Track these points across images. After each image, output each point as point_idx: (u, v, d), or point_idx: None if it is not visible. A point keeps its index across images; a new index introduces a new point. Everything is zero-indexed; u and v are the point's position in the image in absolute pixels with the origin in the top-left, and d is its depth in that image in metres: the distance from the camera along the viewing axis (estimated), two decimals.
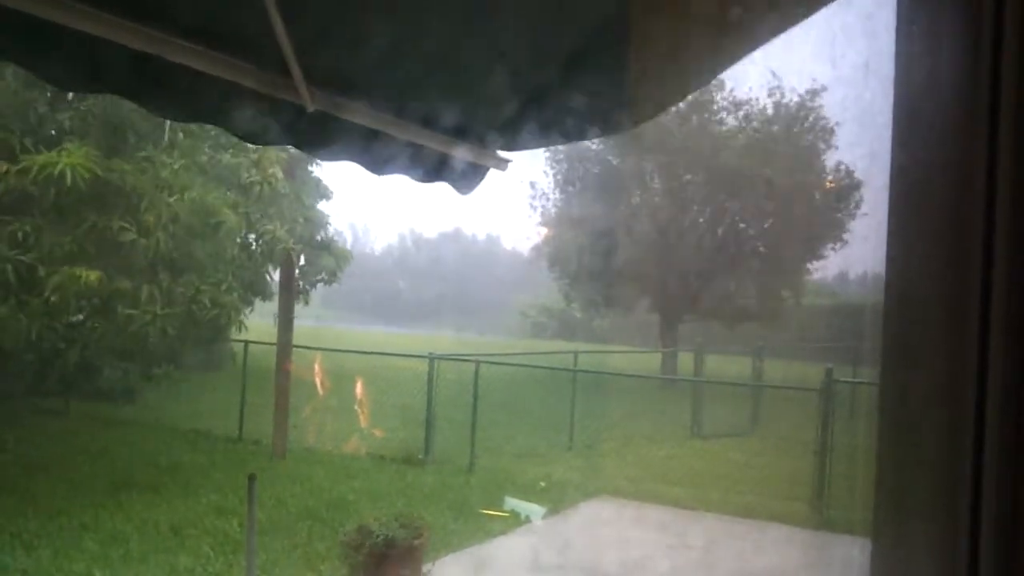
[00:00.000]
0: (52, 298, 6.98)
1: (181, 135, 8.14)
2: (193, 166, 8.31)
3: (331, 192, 11.86)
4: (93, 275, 7.02)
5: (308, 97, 2.30)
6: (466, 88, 2.68)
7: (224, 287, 8.49)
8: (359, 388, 12.60)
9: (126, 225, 7.45)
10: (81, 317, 8.18)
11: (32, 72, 2.17)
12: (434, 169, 2.78)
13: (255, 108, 2.29)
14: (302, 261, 11.07)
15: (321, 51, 2.30)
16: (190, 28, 2.03)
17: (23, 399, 10.89)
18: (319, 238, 11.44)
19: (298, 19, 2.06)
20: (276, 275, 10.93)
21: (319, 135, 2.46)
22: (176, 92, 2.15)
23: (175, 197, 7.74)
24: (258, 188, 9.05)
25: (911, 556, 0.83)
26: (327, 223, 11.57)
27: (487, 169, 2.94)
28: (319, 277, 11.75)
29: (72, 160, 6.89)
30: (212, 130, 8.05)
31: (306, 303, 11.29)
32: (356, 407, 12.09)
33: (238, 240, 9.13)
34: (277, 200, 9.58)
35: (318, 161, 10.69)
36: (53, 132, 7.78)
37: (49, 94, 7.65)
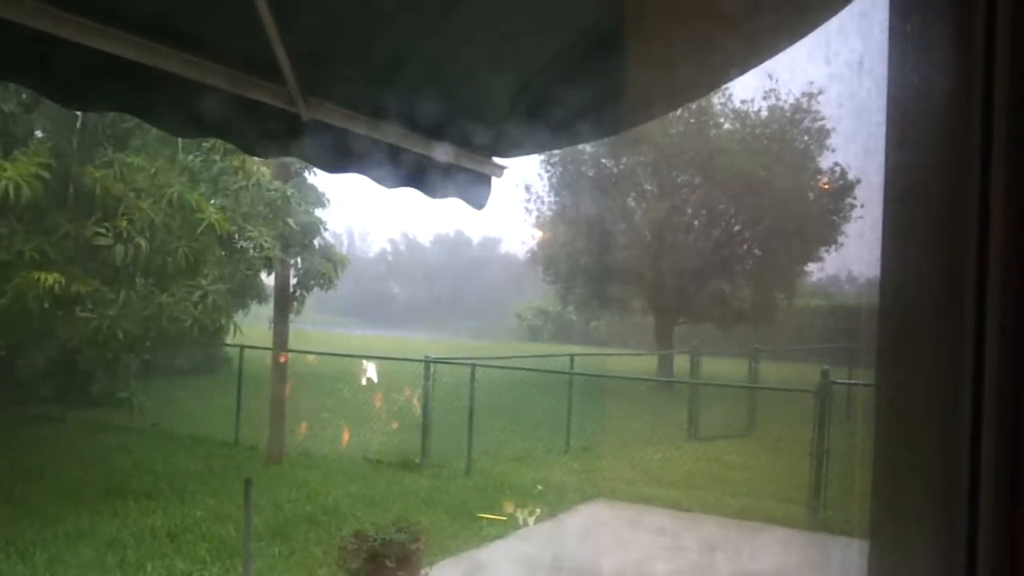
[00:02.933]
0: (10, 302, 6.89)
1: (154, 132, 7.78)
2: (174, 166, 8.18)
3: (327, 200, 11.82)
4: (51, 278, 6.91)
5: (304, 107, 2.30)
6: (462, 96, 2.68)
7: (201, 294, 8.33)
8: (353, 392, 12.59)
9: (101, 231, 7.39)
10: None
11: (32, 89, 2.15)
12: (441, 181, 2.76)
13: (253, 119, 2.28)
14: (299, 264, 11.01)
15: (317, 61, 2.29)
16: (186, 40, 2.02)
17: (17, 406, 10.85)
18: (315, 244, 11.39)
19: (294, 29, 2.06)
20: (271, 279, 10.87)
21: (316, 146, 2.45)
22: (176, 105, 2.14)
23: (151, 201, 7.60)
24: (245, 194, 8.95)
25: (908, 557, 0.83)
26: (323, 229, 11.52)
27: (490, 178, 2.94)
28: (315, 282, 11.71)
29: (19, 171, 6.71)
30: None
31: (298, 312, 11.25)
32: (352, 411, 12.08)
33: (223, 240, 8.96)
34: (268, 205, 9.48)
35: (315, 170, 10.63)
36: (25, 133, 7.66)
37: (24, 95, 7.48)
